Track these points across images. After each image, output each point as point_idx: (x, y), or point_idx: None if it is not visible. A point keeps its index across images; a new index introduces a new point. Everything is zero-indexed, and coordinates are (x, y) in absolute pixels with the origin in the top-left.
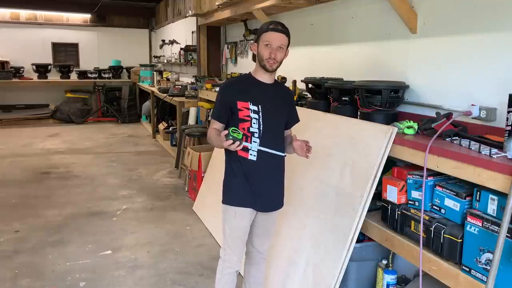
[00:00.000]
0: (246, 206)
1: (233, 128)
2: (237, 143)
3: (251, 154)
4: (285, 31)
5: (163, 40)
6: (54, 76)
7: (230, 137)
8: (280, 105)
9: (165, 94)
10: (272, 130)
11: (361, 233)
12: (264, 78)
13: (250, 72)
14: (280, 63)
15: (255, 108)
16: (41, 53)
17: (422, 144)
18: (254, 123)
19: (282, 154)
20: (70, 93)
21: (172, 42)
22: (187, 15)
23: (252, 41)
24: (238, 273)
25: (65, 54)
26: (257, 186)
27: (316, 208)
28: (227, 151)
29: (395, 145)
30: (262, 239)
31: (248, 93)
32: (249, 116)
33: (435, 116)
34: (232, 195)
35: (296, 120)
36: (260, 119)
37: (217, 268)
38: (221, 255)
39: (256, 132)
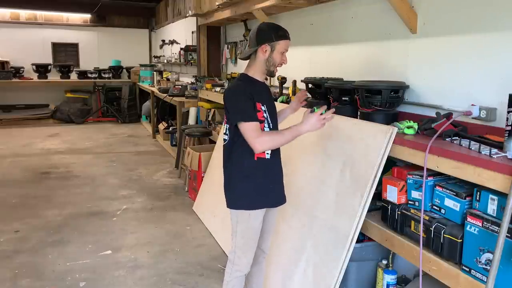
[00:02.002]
0: (261, 208)
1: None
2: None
3: (267, 153)
4: None
5: (163, 40)
6: (54, 76)
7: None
8: (273, 100)
9: (165, 94)
10: (276, 127)
11: (361, 233)
12: (262, 78)
13: (246, 74)
14: None
15: (264, 108)
16: (41, 53)
17: (422, 144)
18: (266, 123)
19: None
20: (70, 93)
21: (172, 42)
22: (187, 15)
23: None
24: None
25: (65, 54)
26: (271, 182)
27: (316, 208)
28: (239, 154)
29: (395, 145)
30: (266, 236)
31: (258, 94)
32: (263, 116)
33: (435, 116)
34: (247, 197)
35: None
36: (268, 118)
37: (226, 271)
38: (230, 257)
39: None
